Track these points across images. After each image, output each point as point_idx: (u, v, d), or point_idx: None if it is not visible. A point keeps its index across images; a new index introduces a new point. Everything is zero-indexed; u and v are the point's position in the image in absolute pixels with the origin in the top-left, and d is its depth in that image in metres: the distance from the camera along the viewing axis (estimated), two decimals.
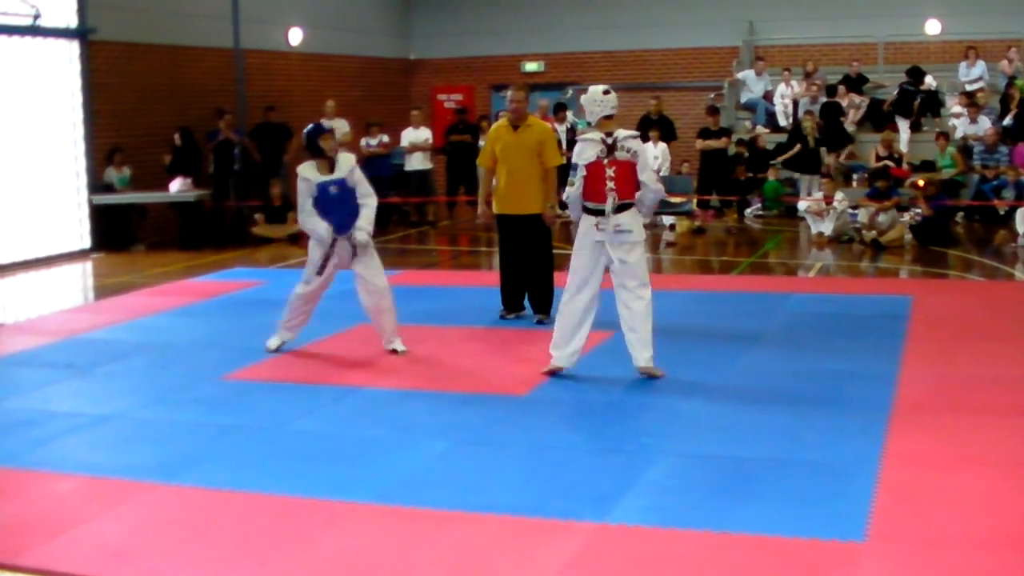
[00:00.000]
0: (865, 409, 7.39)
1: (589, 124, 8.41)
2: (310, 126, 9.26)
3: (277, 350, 9.50)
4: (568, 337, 8.35)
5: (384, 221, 19.70)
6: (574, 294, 8.27)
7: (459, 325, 10.41)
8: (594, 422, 7.47)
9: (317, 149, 9.05)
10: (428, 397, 8.10)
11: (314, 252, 9.27)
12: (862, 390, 7.88)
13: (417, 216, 20.32)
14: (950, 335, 9.62)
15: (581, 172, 8.10)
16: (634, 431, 7.17)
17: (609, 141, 8.08)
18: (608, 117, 8.19)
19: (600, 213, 8.09)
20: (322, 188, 9.04)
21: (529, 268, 10.49)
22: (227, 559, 5.34)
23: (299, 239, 17.62)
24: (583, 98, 8.34)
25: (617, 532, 5.48)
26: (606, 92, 8.23)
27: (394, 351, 9.31)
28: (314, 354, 9.48)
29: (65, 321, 11.25)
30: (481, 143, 19.96)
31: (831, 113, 20.28)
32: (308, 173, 9.07)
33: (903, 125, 20.14)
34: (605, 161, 8.05)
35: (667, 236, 17.41)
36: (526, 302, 10.64)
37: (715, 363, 8.72)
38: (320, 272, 9.24)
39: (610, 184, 8.05)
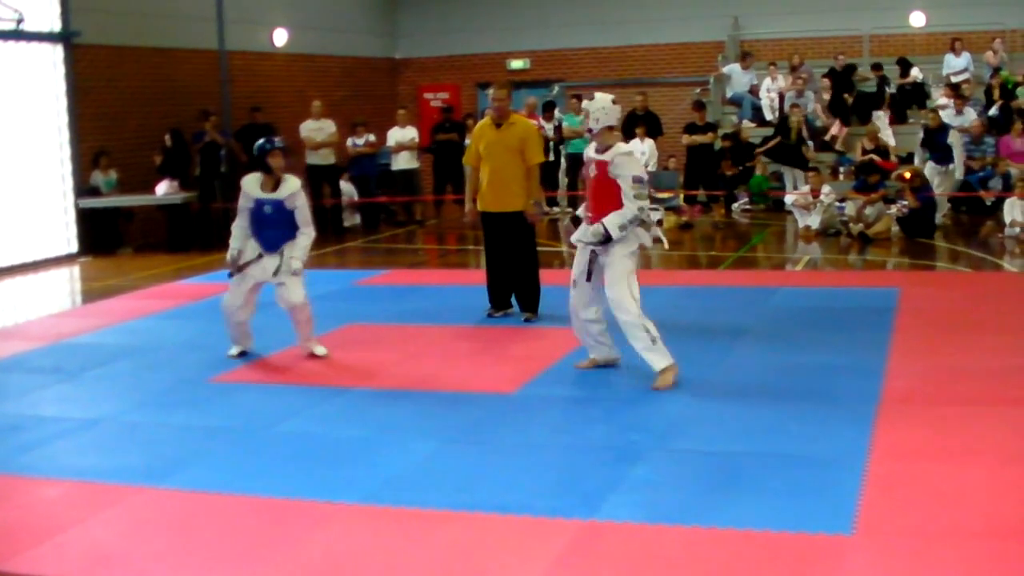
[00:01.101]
0: (853, 402, 7.40)
1: (582, 125, 8.37)
2: (261, 140, 9.20)
3: (240, 355, 9.45)
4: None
5: (372, 221, 19.75)
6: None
7: (446, 324, 10.40)
8: (581, 419, 7.46)
9: (265, 166, 9.02)
10: (415, 397, 8.09)
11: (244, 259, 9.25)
12: (850, 383, 7.89)
13: (404, 215, 20.31)
14: (937, 327, 9.64)
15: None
16: (621, 428, 7.18)
17: None
18: (611, 128, 8.15)
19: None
20: (258, 204, 9.03)
21: (514, 266, 10.50)
22: (215, 561, 5.33)
23: None
24: (586, 103, 8.21)
25: (605, 529, 5.48)
26: (614, 102, 8.18)
27: (313, 355, 9.30)
28: (300, 356, 9.45)
29: (52, 325, 11.22)
30: (467, 142, 20.09)
31: (841, 84, 20.50)
32: (249, 187, 9.08)
33: (877, 116, 20.20)
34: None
35: (654, 231, 17.36)
36: (513, 300, 10.63)
37: (703, 358, 8.72)
38: (231, 276, 9.22)
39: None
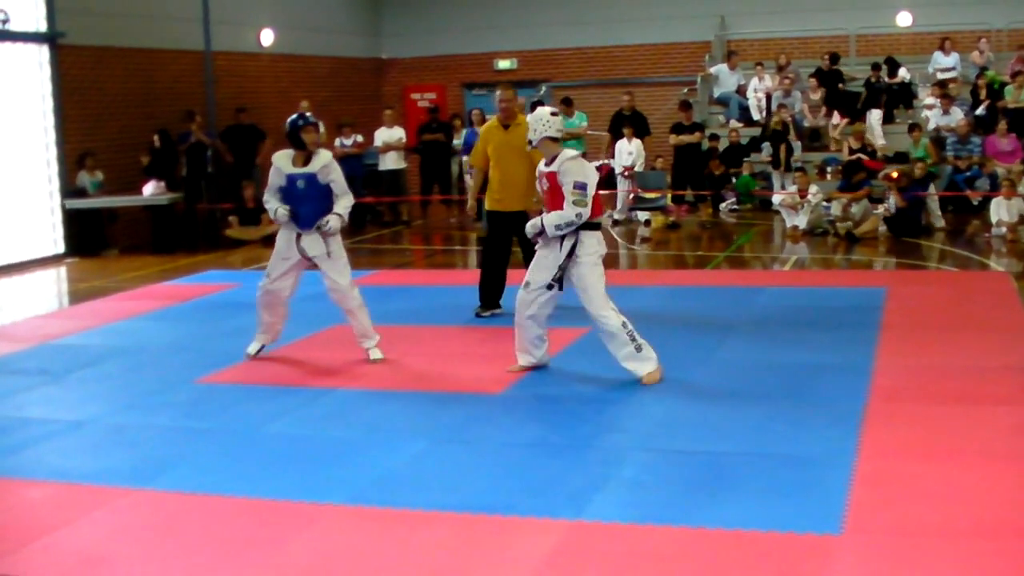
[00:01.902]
0: (840, 401, 7.41)
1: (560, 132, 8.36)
2: (294, 116, 9.07)
3: (256, 354, 9.40)
4: None
5: (358, 221, 19.71)
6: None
7: (433, 324, 10.39)
8: (568, 419, 7.44)
9: (297, 141, 8.88)
10: (402, 397, 8.07)
11: (279, 242, 9.16)
12: (837, 382, 7.90)
13: (391, 216, 20.29)
14: (924, 326, 9.65)
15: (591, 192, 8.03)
16: (608, 427, 7.18)
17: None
18: (553, 139, 8.20)
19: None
20: (290, 180, 8.91)
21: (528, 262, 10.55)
22: (202, 563, 5.30)
23: (272, 241, 17.58)
24: (530, 117, 8.33)
25: (593, 529, 5.48)
26: (554, 114, 8.27)
27: (370, 359, 9.08)
28: (288, 357, 9.44)
29: (38, 327, 11.18)
30: (455, 141, 20.14)
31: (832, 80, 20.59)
32: (281, 163, 8.96)
33: (873, 115, 20.25)
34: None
35: (642, 231, 17.42)
36: (503, 301, 10.62)
37: (689, 357, 8.72)
38: (276, 266, 9.11)
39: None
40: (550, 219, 7.99)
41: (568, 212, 7.92)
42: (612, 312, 7.99)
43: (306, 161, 8.91)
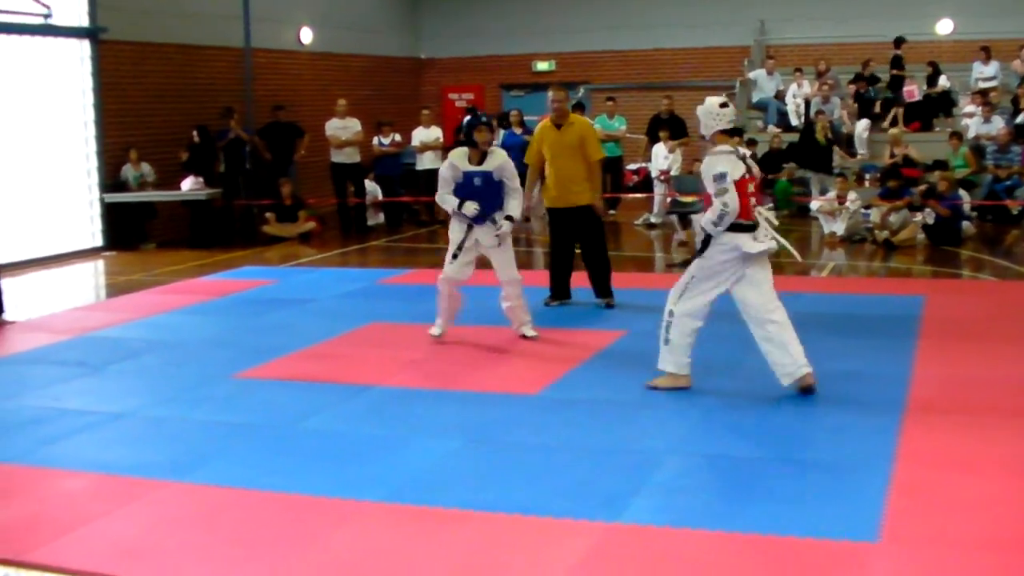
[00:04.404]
0: (877, 409, 7.36)
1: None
2: (469, 117, 9.71)
3: (439, 336, 9.80)
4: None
5: (394, 220, 19.77)
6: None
7: (468, 324, 10.39)
8: (604, 422, 7.42)
9: (471, 140, 9.40)
10: (439, 396, 8.09)
11: (453, 234, 9.66)
12: (874, 390, 7.85)
13: (427, 215, 20.29)
14: (962, 336, 9.58)
15: (733, 189, 7.56)
16: (644, 431, 7.15)
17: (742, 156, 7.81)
18: (726, 132, 7.80)
19: (751, 229, 7.77)
20: (467, 177, 9.42)
21: (588, 256, 11.09)
22: (238, 557, 5.33)
23: (309, 238, 17.67)
24: (699, 110, 7.84)
25: (628, 532, 5.47)
26: (723, 105, 7.81)
27: (524, 336, 9.73)
28: (325, 353, 9.47)
29: (77, 319, 11.26)
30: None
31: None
32: (457, 160, 9.49)
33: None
34: (747, 177, 7.70)
35: (679, 235, 17.36)
36: (581, 290, 11.17)
37: (725, 362, 8.69)
38: (455, 256, 9.56)
39: (752, 201, 7.76)
40: (705, 220, 7.78)
41: (715, 207, 7.59)
42: (675, 297, 7.93)
43: (481, 159, 9.44)
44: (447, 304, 9.78)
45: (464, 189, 9.42)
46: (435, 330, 9.84)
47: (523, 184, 10.26)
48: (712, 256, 7.78)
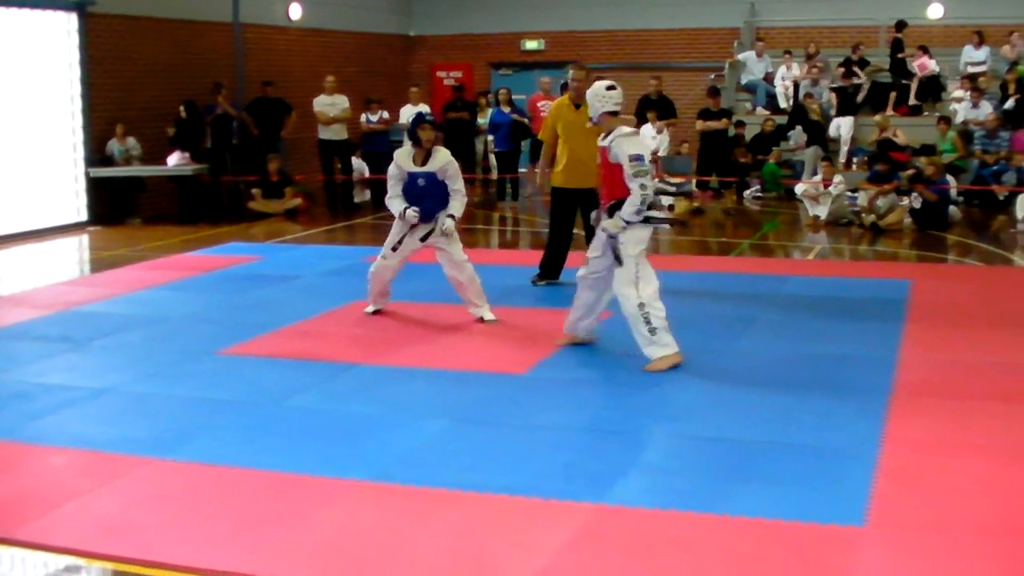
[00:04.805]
0: (864, 393, 7.36)
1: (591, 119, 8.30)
2: (415, 115, 9.70)
3: (375, 313, 9.90)
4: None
5: (381, 198, 19.64)
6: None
7: (456, 303, 10.34)
8: (593, 402, 7.43)
9: (415, 138, 9.38)
10: (426, 375, 8.06)
11: (394, 230, 9.64)
12: (861, 374, 7.85)
13: None
14: (949, 320, 9.59)
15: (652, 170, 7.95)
16: (633, 412, 7.14)
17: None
18: (612, 113, 8.11)
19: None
20: (411, 177, 9.44)
21: (590, 238, 10.87)
22: (222, 534, 5.30)
23: (296, 215, 17.61)
24: (587, 93, 8.24)
25: (615, 513, 5.46)
26: (610, 88, 8.13)
27: (481, 319, 9.62)
28: (310, 331, 9.44)
29: (61, 294, 11.20)
30: (480, 121, 20.12)
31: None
32: (402, 161, 9.48)
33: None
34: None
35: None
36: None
37: (713, 345, 8.69)
38: (395, 249, 9.59)
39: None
40: (625, 212, 7.90)
41: (634, 192, 7.85)
42: (635, 294, 7.94)
43: (425, 159, 9.43)
44: (377, 289, 9.90)
45: (410, 190, 9.45)
46: (370, 307, 9.95)
47: (536, 160, 10.16)
48: (635, 234, 7.99)
